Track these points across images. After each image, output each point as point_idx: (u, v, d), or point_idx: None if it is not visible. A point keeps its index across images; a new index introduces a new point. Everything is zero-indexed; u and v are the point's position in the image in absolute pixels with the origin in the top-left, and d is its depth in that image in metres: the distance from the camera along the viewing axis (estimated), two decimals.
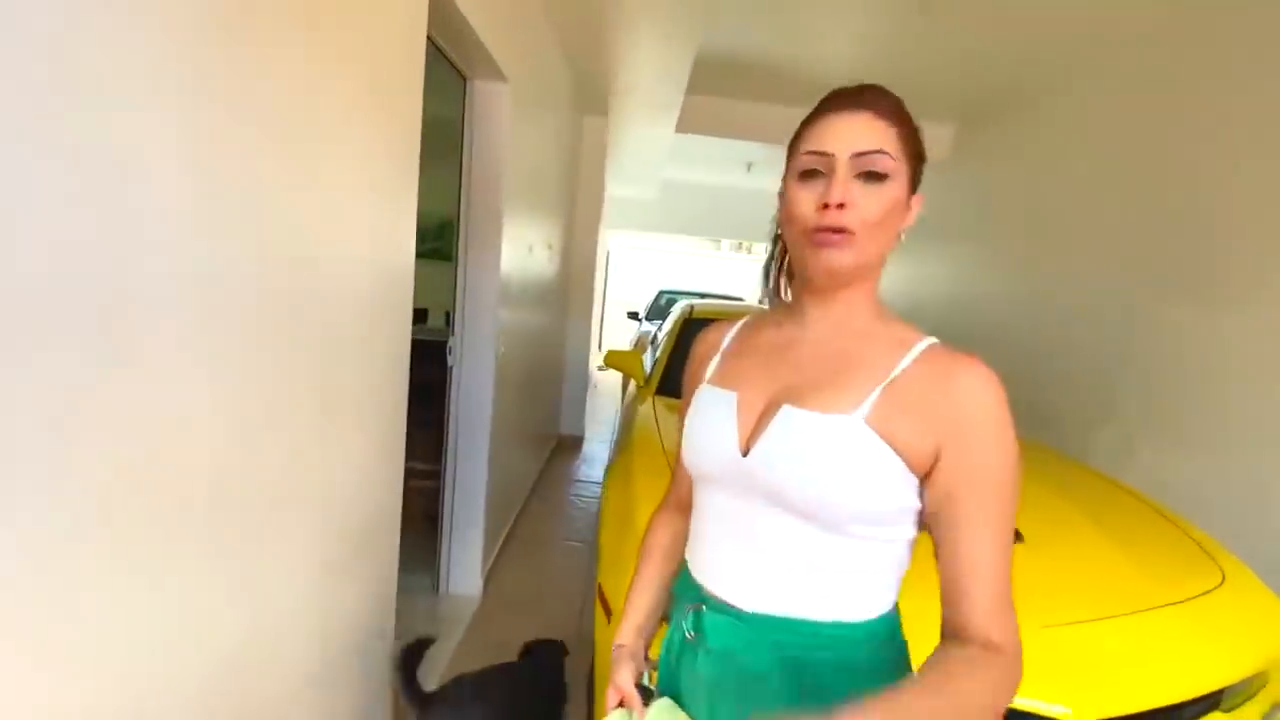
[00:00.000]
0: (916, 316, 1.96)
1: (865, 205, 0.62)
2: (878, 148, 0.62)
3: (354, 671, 1.45)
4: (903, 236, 0.67)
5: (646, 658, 0.81)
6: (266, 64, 0.91)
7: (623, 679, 0.75)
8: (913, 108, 0.67)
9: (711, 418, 0.70)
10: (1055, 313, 3.09)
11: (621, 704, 0.75)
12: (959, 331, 3.66)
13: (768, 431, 0.65)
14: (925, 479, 0.63)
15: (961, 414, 0.60)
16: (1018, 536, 1.38)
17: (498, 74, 2.17)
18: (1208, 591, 1.32)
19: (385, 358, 1.45)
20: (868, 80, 0.67)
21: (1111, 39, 2.73)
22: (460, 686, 1.53)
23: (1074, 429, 2.85)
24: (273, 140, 0.95)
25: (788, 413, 0.64)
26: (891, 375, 0.63)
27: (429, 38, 1.81)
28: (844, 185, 0.62)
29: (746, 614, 0.67)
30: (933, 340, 0.66)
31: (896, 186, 0.64)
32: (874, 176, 0.63)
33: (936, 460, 0.61)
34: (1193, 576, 1.38)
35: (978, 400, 0.60)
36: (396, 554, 1.62)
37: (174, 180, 0.76)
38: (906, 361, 0.64)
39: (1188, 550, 1.50)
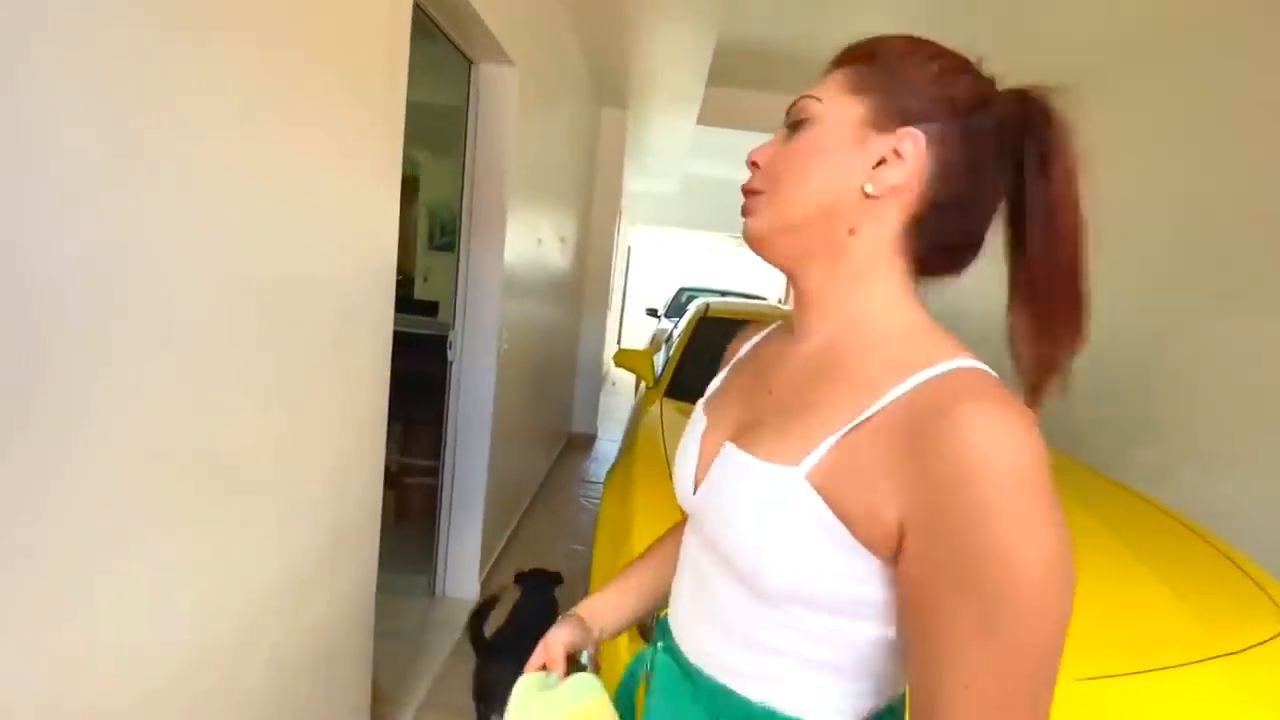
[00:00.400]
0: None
1: (776, 158, 0.53)
2: (805, 94, 0.53)
3: (332, 667, 1.37)
4: (869, 188, 0.49)
5: (598, 645, 0.73)
6: (229, 39, 0.83)
7: (554, 641, 0.68)
8: None
9: (684, 444, 0.62)
10: (1092, 321, 2.89)
11: (546, 667, 0.68)
12: (988, 343, 3.47)
13: (710, 471, 0.55)
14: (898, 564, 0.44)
15: (933, 479, 0.40)
16: None
17: (503, 57, 2.07)
18: (1268, 640, 1.17)
19: (366, 356, 1.37)
20: None
21: (1158, 35, 2.54)
22: (508, 631, 1.72)
23: (1110, 444, 2.67)
24: (239, 121, 0.87)
25: (728, 453, 0.53)
26: (865, 413, 0.45)
27: (430, 19, 1.72)
28: (763, 146, 0.55)
29: (691, 667, 0.57)
30: (957, 363, 0.44)
31: (821, 130, 0.51)
32: (795, 126, 0.53)
33: (901, 542, 0.43)
34: (1250, 621, 1.22)
35: (962, 461, 0.39)
36: (376, 552, 1.54)
37: (124, 167, 0.68)
38: (896, 393, 0.44)
39: (1244, 589, 1.35)
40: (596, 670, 0.70)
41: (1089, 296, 0.50)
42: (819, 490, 0.45)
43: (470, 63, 2.09)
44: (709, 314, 2.99)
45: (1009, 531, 0.38)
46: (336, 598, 1.36)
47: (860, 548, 0.44)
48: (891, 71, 0.50)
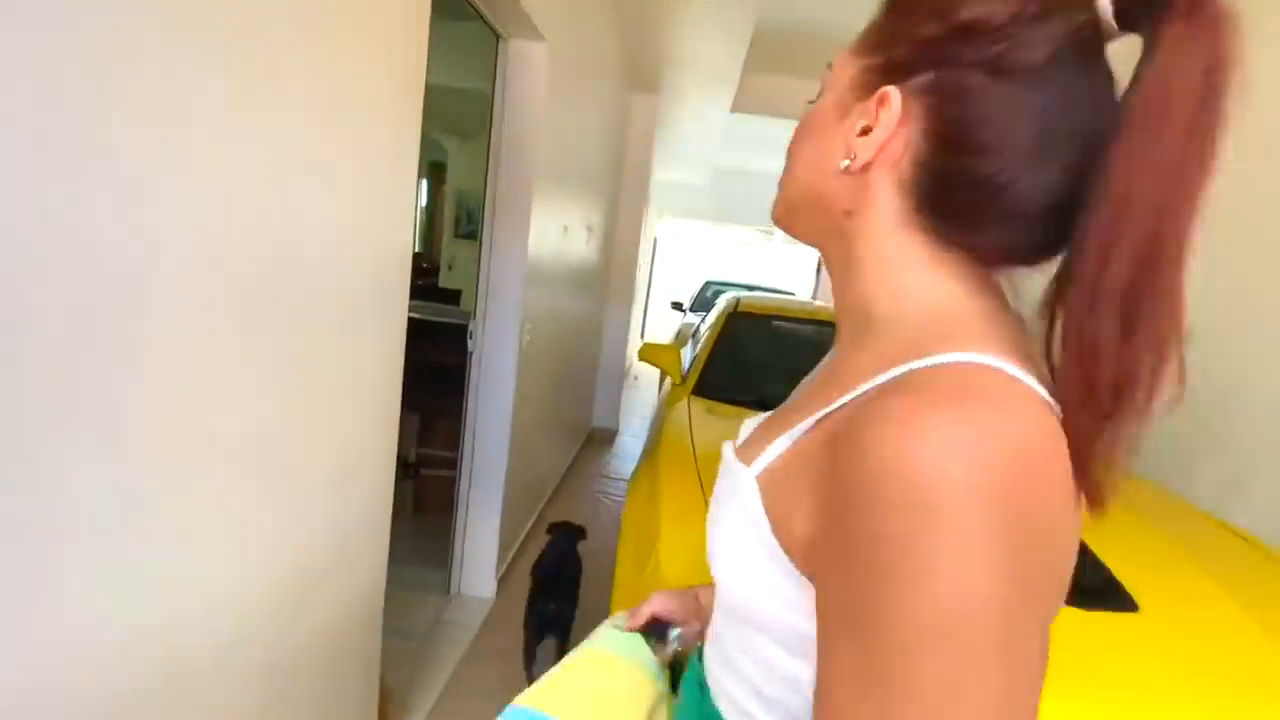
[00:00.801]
0: None
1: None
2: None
3: (337, 669, 1.31)
4: (845, 165, 0.42)
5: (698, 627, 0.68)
6: (229, 14, 0.75)
7: (653, 599, 0.65)
8: None
9: None
10: None
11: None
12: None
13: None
14: None
15: (834, 492, 0.34)
16: (1130, 604, 1.11)
17: (534, 32, 1.96)
18: None
19: (378, 344, 1.28)
20: None
21: None
22: (547, 576, 1.97)
23: (1173, 459, 2.49)
24: (242, 101, 0.80)
25: (724, 452, 0.48)
26: (822, 411, 0.39)
27: None
28: None
29: (703, 678, 0.51)
30: (955, 356, 0.35)
31: (819, 103, 0.46)
32: (816, 100, 0.47)
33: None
34: None
35: (859, 471, 0.32)
36: (386, 549, 1.47)
37: (123, 156, 0.61)
38: (861, 389, 0.37)
39: None
40: (685, 648, 0.64)
41: (1169, 349, 0.34)
42: (762, 494, 0.40)
43: (499, 38, 1.98)
44: (739, 309, 2.86)
45: (896, 566, 0.30)
46: (342, 596, 1.29)
47: (794, 570, 0.38)
48: (899, 14, 0.42)
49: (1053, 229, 0.38)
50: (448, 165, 5.19)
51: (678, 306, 8.66)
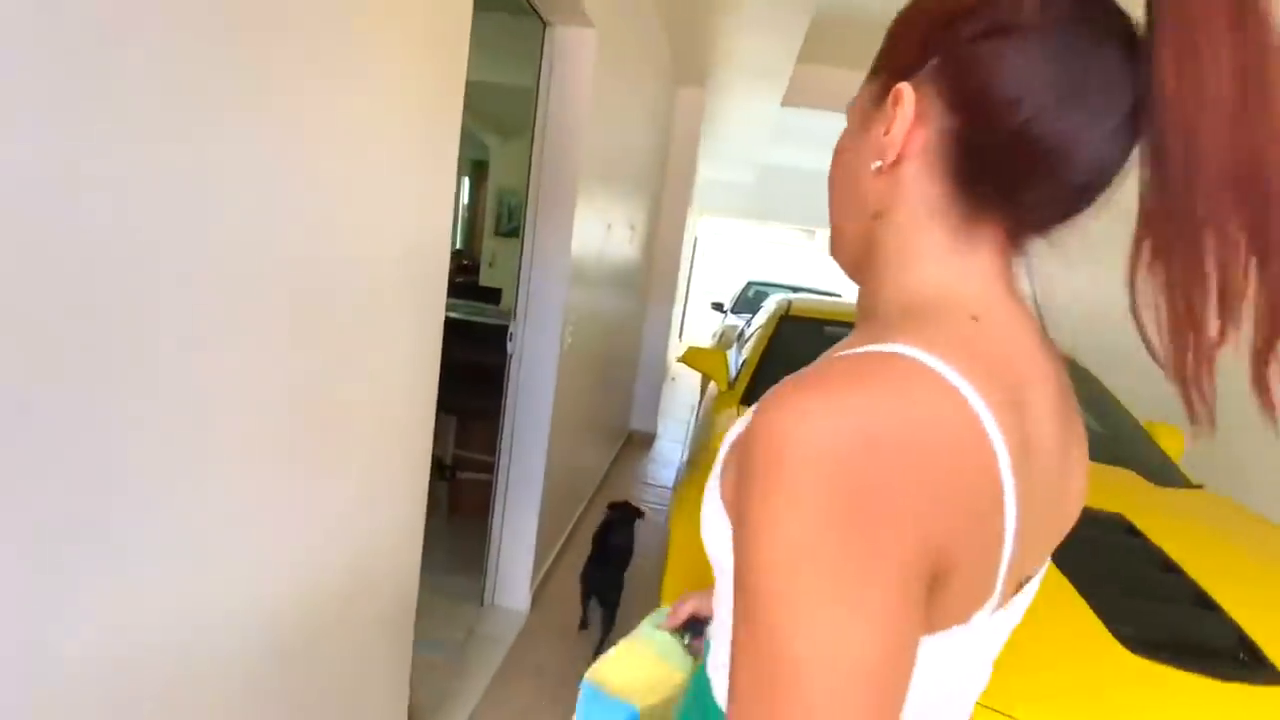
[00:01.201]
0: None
1: None
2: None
3: (366, 680, 1.24)
4: (876, 166, 0.42)
5: None
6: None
7: (691, 597, 0.69)
8: None
9: None
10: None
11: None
12: (1095, 348, 3.03)
13: None
14: None
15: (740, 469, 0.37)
16: (1276, 676, 0.94)
17: (583, 18, 1.86)
18: None
19: (413, 345, 1.20)
20: None
21: None
22: (608, 545, 2.15)
23: (1261, 477, 2.26)
24: (278, 96, 0.74)
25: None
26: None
27: None
28: None
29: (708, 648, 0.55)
30: (879, 347, 0.36)
31: (849, 123, 0.47)
32: None
33: None
34: None
35: (749, 436, 0.35)
36: (419, 556, 1.39)
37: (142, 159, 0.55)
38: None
39: None
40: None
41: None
42: (724, 465, 0.42)
43: (545, 24, 1.89)
44: (790, 313, 2.71)
45: (749, 519, 0.34)
46: (372, 605, 1.22)
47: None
48: (897, 30, 0.44)
49: (1094, 171, 0.38)
50: (489, 162, 5.17)
51: (718, 307, 8.49)
